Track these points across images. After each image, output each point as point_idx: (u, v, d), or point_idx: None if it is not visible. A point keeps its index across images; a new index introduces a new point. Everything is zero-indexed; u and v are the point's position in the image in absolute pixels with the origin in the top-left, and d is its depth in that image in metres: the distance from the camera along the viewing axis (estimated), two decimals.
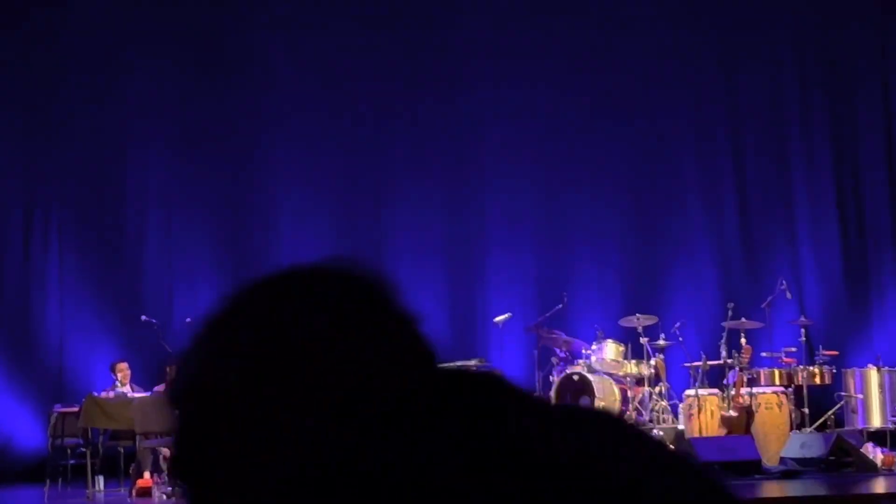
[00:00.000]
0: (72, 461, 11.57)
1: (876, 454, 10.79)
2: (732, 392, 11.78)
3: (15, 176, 14.08)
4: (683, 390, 12.28)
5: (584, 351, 12.79)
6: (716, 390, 11.95)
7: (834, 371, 12.12)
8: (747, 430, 11.55)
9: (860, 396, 12.01)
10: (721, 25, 14.77)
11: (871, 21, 14.72)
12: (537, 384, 12.89)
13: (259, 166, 14.52)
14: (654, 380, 12.51)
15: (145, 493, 10.70)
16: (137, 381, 12.51)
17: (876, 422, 11.89)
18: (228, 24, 14.48)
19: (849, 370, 12.30)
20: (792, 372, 11.96)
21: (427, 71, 14.70)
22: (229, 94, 14.45)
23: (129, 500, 10.67)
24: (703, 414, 11.78)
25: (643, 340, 12.54)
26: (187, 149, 14.42)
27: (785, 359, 12.15)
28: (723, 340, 12.17)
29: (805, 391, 11.81)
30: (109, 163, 14.29)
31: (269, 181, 14.50)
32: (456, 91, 14.70)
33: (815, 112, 14.76)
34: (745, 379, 11.90)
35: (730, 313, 12.31)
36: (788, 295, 12.61)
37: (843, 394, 12.12)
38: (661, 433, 11.76)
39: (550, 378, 12.73)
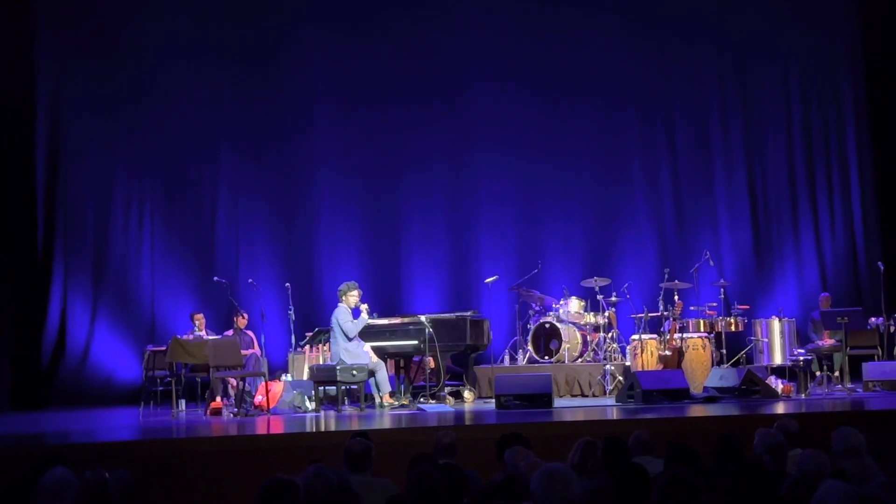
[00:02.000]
0: (160, 388, 11.54)
1: (777, 384, 10.78)
2: (667, 337, 11.78)
3: (118, 173, 13.98)
4: (630, 335, 12.27)
5: (554, 305, 12.77)
6: (655, 335, 11.94)
7: (745, 321, 12.10)
8: (679, 365, 11.54)
9: (765, 340, 11.99)
10: (660, 58, 14.66)
11: (775, 54, 14.62)
12: (518, 330, 12.87)
13: (305, 163, 14.41)
14: (608, 327, 12.50)
15: (217, 412, 10.69)
16: (210, 326, 12.48)
17: (778, 360, 11.88)
18: (279, 52, 14.39)
19: (757, 320, 12.27)
20: (713, 321, 11.95)
21: (433, 85, 14.59)
22: (282, 107, 14.37)
23: (204, 417, 10.64)
24: (645, 353, 11.77)
25: (599, 297, 12.53)
26: (247, 148, 14.32)
27: (708, 311, 12.13)
28: (660, 297, 12.15)
29: (723, 336, 11.82)
30: (189, 161, 14.21)
31: (312, 175, 14.41)
32: (455, 102, 14.61)
33: (732, 121, 14.67)
34: (677, 327, 11.90)
35: (666, 276, 12.29)
36: (711, 262, 12.56)
37: (752, 338, 12.11)
38: (613, 368, 11.75)
39: (528, 326, 12.72)
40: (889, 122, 14.12)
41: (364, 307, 10.99)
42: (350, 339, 10.75)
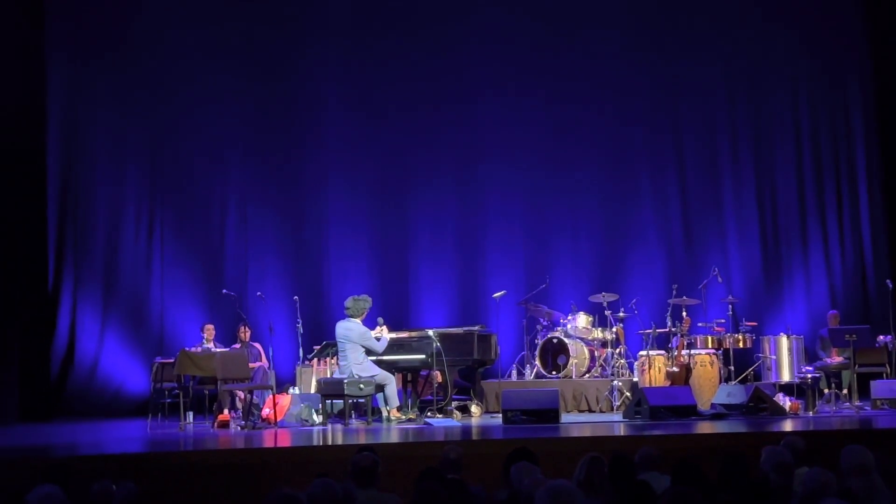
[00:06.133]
0: (168, 400, 11.55)
1: (785, 402, 10.75)
2: (675, 353, 11.76)
3: (129, 185, 14.05)
4: (638, 351, 12.25)
5: (561, 320, 12.75)
6: (662, 351, 11.93)
7: (753, 338, 12.06)
8: (686, 382, 11.52)
9: (773, 357, 11.95)
10: (669, 73, 14.65)
11: (784, 71, 14.62)
12: (525, 345, 12.86)
13: (312, 174, 14.46)
14: (615, 343, 12.48)
15: (224, 425, 10.70)
16: (219, 339, 12.49)
17: (786, 377, 11.83)
18: (289, 65, 14.45)
19: (765, 337, 12.24)
20: (721, 338, 11.92)
21: (442, 100, 14.62)
22: (290, 119, 14.43)
23: (211, 430, 10.64)
24: (652, 369, 11.76)
25: (607, 312, 12.51)
26: (258, 162, 14.39)
27: (716, 328, 12.09)
28: (668, 313, 12.11)
29: (731, 353, 11.77)
30: (199, 173, 14.26)
31: (321, 189, 14.45)
32: (464, 117, 14.63)
33: (741, 138, 14.65)
34: (685, 343, 11.87)
35: (674, 292, 12.27)
36: (719, 279, 12.54)
37: (760, 355, 12.07)
38: (620, 384, 11.72)
39: (536, 341, 12.69)
40: None
41: (383, 327, 11.16)
42: (380, 354, 10.87)
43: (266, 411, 10.92)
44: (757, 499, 4.43)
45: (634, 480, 4.83)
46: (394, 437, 9.39)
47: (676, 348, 11.78)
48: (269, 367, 11.69)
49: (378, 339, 10.94)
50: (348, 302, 11.06)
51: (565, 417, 10.72)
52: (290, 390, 11.63)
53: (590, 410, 11.79)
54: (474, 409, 11.36)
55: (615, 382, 11.71)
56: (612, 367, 12.22)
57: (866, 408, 11.05)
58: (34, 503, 4.45)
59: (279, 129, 14.41)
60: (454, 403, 11.24)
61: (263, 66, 14.37)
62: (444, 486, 4.85)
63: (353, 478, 5.36)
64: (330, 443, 9.24)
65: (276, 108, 14.41)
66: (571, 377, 12.19)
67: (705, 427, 9.64)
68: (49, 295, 13.44)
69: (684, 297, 12.26)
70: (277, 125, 14.41)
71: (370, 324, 11.16)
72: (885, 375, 11.64)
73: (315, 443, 9.24)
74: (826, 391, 11.45)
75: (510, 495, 4.87)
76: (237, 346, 12.30)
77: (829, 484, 4.83)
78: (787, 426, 9.48)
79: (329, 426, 10.47)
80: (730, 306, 12.35)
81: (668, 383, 11.51)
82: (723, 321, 12.19)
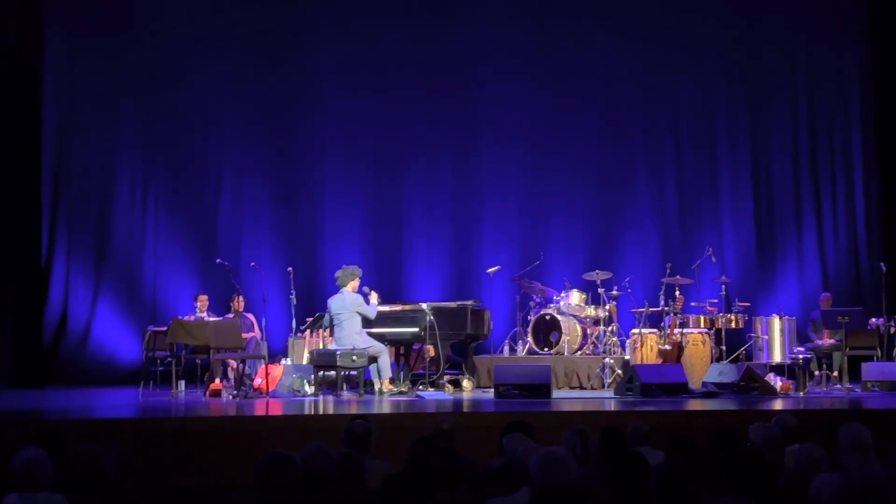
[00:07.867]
0: (160, 369, 11.53)
1: (776, 382, 10.77)
2: (668, 331, 11.76)
3: (123, 153, 14.01)
4: (630, 329, 12.24)
5: (555, 297, 12.74)
6: (655, 330, 11.92)
7: (746, 318, 12.07)
8: (678, 360, 11.53)
9: (765, 338, 11.95)
10: (667, 53, 14.58)
11: (783, 53, 14.56)
12: (518, 321, 12.85)
13: (308, 145, 14.38)
14: (608, 321, 12.47)
15: (216, 394, 10.69)
16: (212, 308, 12.46)
17: (777, 357, 11.84)
18: (287, 36, 14.35)
19: (757, 318, 12.22)
20: (714, 318, 11.92)
21: (440, 75, 14.53)
22: (286, 90, 14.33)
23: (203, 399, 10.63)
24: (644, 347, 11.76)
25: (600, 290, 12.48)
26: (253, 132, 14.30)
27: (709, 308, 12.10)
28: (661, 292, 12.12)
29: (723, 333, 11.80)
30: (194, 143, 14.19)
31: (315, 157, 14.38)
32: (462, 93, 14.55)
33: (738, 120, 14.59)
34: (677, 322, 11.88)
35: (667, 271, 12.26)
36: (713, 259, 12.52)
37: (752, 335, 12.06)
38: (612, 361, 11.72)
39: (529, 317, 12.68)
40: (894, 122, 14.07)
41: (372, 293, 11.13)
42: (372, 319, 10.84)
43: (258, 381, 10.91)
44: (750, 473, 4.42)
45: (628, 452, 4.82)
46: (386, 409, 9.39)
47: (669, 327, 11.78)
48: (261, 338, 11.67)
49: (369, 305, 10.97)
50: (340, 272, 11.09)
51: (556, 394, 10.72)
52: (283, 361, 11.62)
53: (581, 387, 11.79)
54: (466, 383, 11.36)
55: (607, 360, 11.71)
56: (605, 344, 12.22)
57: (856, 390, 11.06)
58: (19, 466, 4.38)
59: (276, 100, 14.33)
60: (446, 377, 11.23)
61: (261, 38, 14.26)
62: (436, 455, 4.84)
63: (347, 444, 5.35)
64: (321, 412, 9.24)
65: (273, 80, 14.32)
66: (563, 354, 12.18)
67: (696, 404, 9.67)
68: (42, 263, 13.40)
69: (678, 277, 12.25)
70: (274, 95, 14.33)
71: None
72: (875, 358, 11.66)
73: (306, 412, 9.25)
74: (817, 373, 11.47)
75: (504, 464, 4.86)
76: (230, 315, 12.27)
77: (820, 459, 4.84)
78: (778, 405, 9.49)
79: (321, 397, 10.47)
80: (723, 286, 12.34)
81: (659, 361, 11.51)
82: (716, 301, 12.19)
